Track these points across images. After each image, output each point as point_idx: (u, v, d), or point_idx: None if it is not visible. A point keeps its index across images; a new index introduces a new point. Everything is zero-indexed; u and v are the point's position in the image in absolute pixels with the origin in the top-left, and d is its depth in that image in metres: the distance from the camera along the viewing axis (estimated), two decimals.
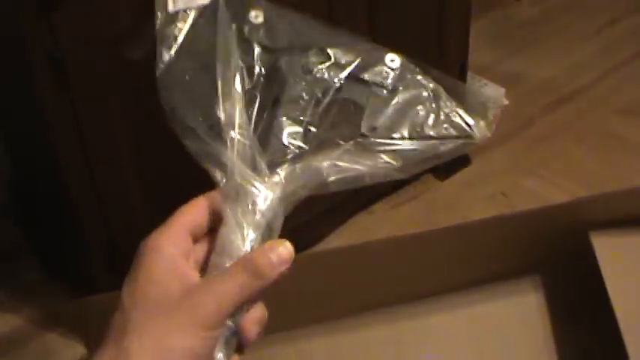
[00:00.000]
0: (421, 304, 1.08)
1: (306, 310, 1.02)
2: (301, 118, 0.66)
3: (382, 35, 1.95)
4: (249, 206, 0.62)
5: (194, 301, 0.57)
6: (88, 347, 0.93)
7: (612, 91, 2.80)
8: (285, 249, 0.62)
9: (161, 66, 0.67)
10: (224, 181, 0.63)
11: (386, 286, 1.05)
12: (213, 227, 0.63)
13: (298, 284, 0.95)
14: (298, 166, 0.65)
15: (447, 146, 0.71)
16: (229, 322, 0.59)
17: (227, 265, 0.60)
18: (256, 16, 0.67)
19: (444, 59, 2.17)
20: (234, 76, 0.65)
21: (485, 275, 1.09)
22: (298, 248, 2.07)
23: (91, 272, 1.78)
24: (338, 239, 2.14)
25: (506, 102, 2.76)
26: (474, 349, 1.07)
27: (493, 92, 2.69)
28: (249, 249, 0.61)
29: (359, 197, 2.19)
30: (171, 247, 0.61)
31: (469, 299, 1.08)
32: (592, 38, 3.15)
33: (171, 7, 0.68)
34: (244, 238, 0.62)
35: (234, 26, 0.66)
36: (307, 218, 2.04)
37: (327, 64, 0.67)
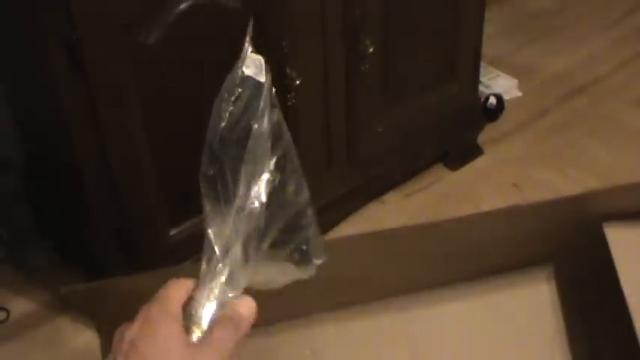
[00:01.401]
0: (433, 293, 1.08)
1: (318, 298, 1.02)
2: None
3: (398, 24, 1.94)
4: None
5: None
6: (99, 331, 0.93)
7: (626, 83, 2.80)
8: (250, 301, 0.72)
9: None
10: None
11: (398, 275, 1.05)
12: None
13: None
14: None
15: None
16: None
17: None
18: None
19: (458, 47, 2.16)
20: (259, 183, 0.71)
21: (498, 265, 1.09)
22: None
23: (103, 258, 1.78)
24: (349, 228, 2.14)
25: (519, 93, 2.79)
26: (486, 338, 1.07)
27: (507, 83, 2.69)
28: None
29: (370, 186, 2.19)
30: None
31: (481, 288, 1.08)
32: (607, 30, 3.14)
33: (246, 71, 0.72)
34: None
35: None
36: (319, 206, 2.04)
37: None
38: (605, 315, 1.04)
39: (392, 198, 2.28)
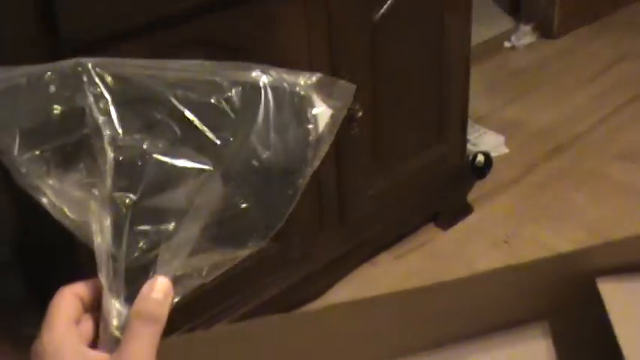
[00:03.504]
0: (428, 356, 1.08)
1: None
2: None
3: (386, 89, 1.97)
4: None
5: None
6: None
7: (609, 137, 2.83)
8: (161, 283, 0.63)
9: None
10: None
11: (391, 339, 1.05)
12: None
13: (302, 340, 0.95)
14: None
15: None
16: None
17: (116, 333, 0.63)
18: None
19: (445, 110, 2.19)
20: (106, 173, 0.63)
21: (493, 324, 1.09)
22: (302, 301, 2.08)
23: None
24: (341, 291, 2.15)
25: (506, 150, 2.82)
26: None
27: (493, 141, 2.71)
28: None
29: (362, 249, 2.19)
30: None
31: (478, 347, 1.08)
32: (586, 85, 3.18)
33: None
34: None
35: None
36: (311, 270, 2.04)
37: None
38: None
39: (383, 259, 2.29)
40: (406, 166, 2.16)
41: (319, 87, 0.66)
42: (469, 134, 2.46)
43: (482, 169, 2.58)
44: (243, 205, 0.64)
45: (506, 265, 1.01)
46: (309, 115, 0.65)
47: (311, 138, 0.65)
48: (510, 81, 3.26)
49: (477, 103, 2.84)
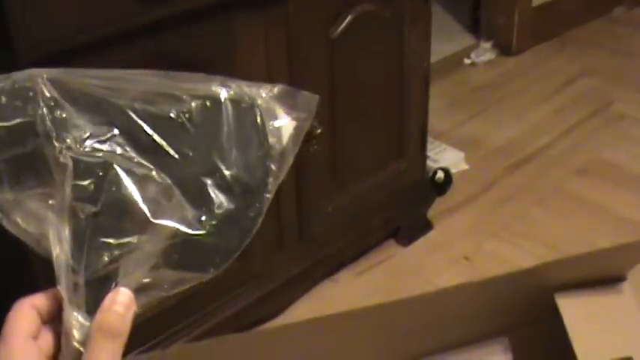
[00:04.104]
0: None
1: None
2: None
3: (345, 106, 1.97)
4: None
5: None
6: None
7: (569, 152, 2.85)
8: (123, 295, 0.61)
9: None
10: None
11: (350, 356, 1.04)
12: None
13: (262, 358, 0.94)
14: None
15: None
16: None
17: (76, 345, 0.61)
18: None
19: (404, 126, 2.19)
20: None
21: (454, 340, 1.09)
22: (263, 318, 2.06)
23: None
24: (302, 307, 2.14)
25: (466, 166, 2.83)
26: None
27: (453, 157, 2.72)
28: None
29: (322, 265, 2.19)
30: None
31: None
32: (546, 101, 3.21)
33: None
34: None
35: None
36: (271, 287, 2.03)
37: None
38: None
39: (344, 276, 2.28)
40: (366, 182, 2.16)
41: (281, 98, 0.65)
42: (429, 150, 2.46)
43: (443, 185, 2.59)
44: (204, 226, 0.62)
45: (467, 281, 1.00)
46: (272, 128, 0.64)
47: (273, 152, 0.64)
48: (470, 97, 3.28)
49: (437, 119, 2.86)
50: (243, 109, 0.63)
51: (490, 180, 2.71)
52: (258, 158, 0.64)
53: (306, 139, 1.99)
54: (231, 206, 0.62)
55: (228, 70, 1.66)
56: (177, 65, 1.57)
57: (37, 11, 1.34)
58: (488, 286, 0.99)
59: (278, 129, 0.64)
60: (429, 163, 2.54)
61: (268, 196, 0.64)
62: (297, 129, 0.65)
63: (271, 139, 0.64)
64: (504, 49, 3.60)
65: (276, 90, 0.65)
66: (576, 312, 1.00)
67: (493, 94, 3.30)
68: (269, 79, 1.76)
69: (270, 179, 0.64)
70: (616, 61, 3.53)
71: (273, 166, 0.64)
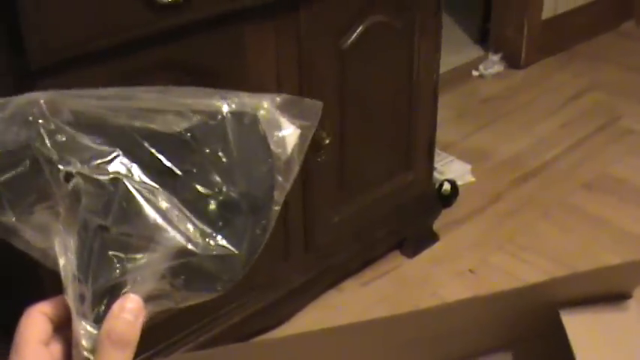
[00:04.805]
0: None
1: None
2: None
3: (354, 116, 1.98)
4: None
5: None
6: None
7: (576, 166, 2.85)
8: (132, 302, 0.61)
9: None
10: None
11: None
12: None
13: None
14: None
15: None
16: None
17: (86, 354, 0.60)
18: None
19: (412, 138, 2.19)
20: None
21: (457, 354, 1.09)
22: (267, 327, 2.06)
23: None
24: (307, 317, 2.14)
25: (472, 179, 2.83)
26: None
27: (460, 169, 2.72)
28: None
29: (328, 275, 2.19)
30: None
31: None
32: (553, 115, 3.21)
33: None
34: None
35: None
36: (276, 297, 2.04)
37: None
38: None
39: (349, 286, 2.28)
40: (373, 193, 2.16)
41: (284, 107, 0.64)
42: (436, 161, 2.47)
43: (449, 197, 2.59)
44: (211, 245, 0.61)
45: (472, 296, 1.01)
46: (276, 139, 0.63)
47: (279, 163, 0.63)
48: (478, 109, 3.29)
49: (444, 130, 2.86)
50: (246, 121, 0.63)
51: (496, 193, 2.71)
52: (264, 172, 0.63)
53: (314, 149, 2.00)
54: (239, 223, 0.62)
55: (239, 78, 1.66)
56: (185, 76, 1.59)
57: (49, 18, 1.35)
58: (493, 300, 0.99)
59: (282, 139, 0.63)
60: (436, 175, 2.54)
61: (276, 208, 0.64)
62: (302, 137, 0.64)
63: (276, 150, 0.63)
64: (513, 62, 3.60)
65: (279, 99, 0.64)
66: (581, 328, 1.00)
67: (501, 106, 3.30)
68: (279, 87, 1.77)
69: (277, 192, 0.64)
70: (624, 75, 3.53)
71: (279, 178, 0.64)
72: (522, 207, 2.64)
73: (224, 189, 0.61)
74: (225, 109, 0.62)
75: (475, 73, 3.55)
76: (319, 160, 1.90)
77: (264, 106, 0.64)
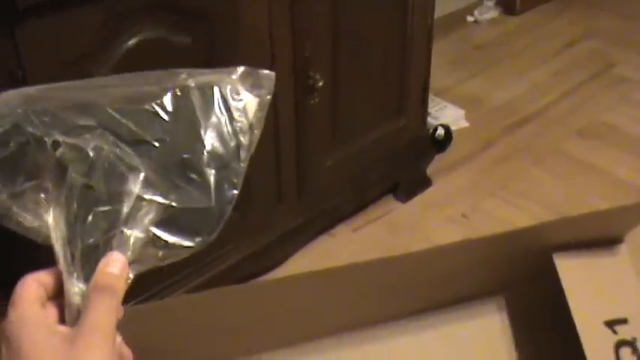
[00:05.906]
0: (385, 327, 1.08)
1: (269, 335, 1.02)
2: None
3: (347, 59, 1.96)
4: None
5: (81, 345, 0.61)
6: None
7: (570, 113, 2.85)
8: (116, 257, 0.66)
9: None
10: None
11: (350, 311, 1.05)
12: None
13: (260, 310, 0.95)
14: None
15: None
16: None
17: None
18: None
19: (406, 81, 2.18)
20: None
21: (450, 298, 1.09)
22: (260, 270, 2.06)
23: None
24: (299, 262, 2.14)
25: (466, 124, 2.83)
26: None
27: (454, 114, 2.72)
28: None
29: (320, 220, 2.19)
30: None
31: (434, 321, 1.09)
32: (548, 61, 3.20)
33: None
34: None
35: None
36: (269, 241, 2.04)
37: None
38: (557, 345, 1.05)
39: (342, 231, 2.29)
40: (366, 137, 2.16)
41: (243, 79, 0.72)
42: (430, 107, 2.46)
43: (442, 142, 2.59)
44: (188, 200, 0.68)
45: (464, 239, 1.01)
46: (237, 106, 0.70)
47: (242, 126, 0.70)
48: (472, 55, 3.27)
49: (439, 76, 2.85)
50: (210, 92, 0.70)
51: (490, 138, 2.71)
52: (228, 133, 0.70)
53: (307, 91, 1.99)
54: (210, 178, 0.69)
55: (229, 24, 1.65)
56: (176, 17, 1.57)
57: None
58: (486, 244, 1.00)
59: (244, 106, 0.71)
60: (430, 120, 2.53)
61: (242, 165, 0.70)
62: (260, 104, 0.72)
63: (238, 115, 0.70)
64: (508, 8, 3.58)
65: (238, 72, 0.72)
66: (573, 272, 1.00)
67: (495, 52, 3.29)
68: (270, 32, 1.75)
69: (242, 151, 0.70)
70: (619, 23, 3.51)
71: (243, 139, 0.70)
72: (515, 153, 2.64)
73: (196, 151, 0.69)
74: (191, 83, 0.70)
75: (470, 18, 3.53)
76: (312, 102, 1.89)
77: (225, 79, 0.71)
